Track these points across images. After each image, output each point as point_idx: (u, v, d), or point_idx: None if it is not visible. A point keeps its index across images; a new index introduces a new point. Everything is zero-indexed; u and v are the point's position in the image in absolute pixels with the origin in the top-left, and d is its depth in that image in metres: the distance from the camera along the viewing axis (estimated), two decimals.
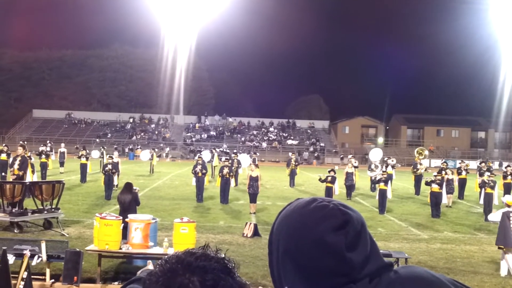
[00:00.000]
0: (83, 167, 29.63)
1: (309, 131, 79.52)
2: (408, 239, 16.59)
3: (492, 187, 21.43)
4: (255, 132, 77.21)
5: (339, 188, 25.39)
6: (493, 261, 13.74)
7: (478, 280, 11.92)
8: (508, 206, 12.59)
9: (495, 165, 52.72)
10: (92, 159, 34.35)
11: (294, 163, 33.01)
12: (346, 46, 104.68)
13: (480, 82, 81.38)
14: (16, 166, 17.85)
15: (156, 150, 47.85)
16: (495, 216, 13.12)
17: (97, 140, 67.98)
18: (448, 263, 13.52)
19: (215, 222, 18.22)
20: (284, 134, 77.40)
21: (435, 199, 21.44)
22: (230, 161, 26.40)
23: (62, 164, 35.47)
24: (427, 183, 22.44)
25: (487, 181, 21.79)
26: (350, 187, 26.98)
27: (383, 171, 24.03)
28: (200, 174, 23.52)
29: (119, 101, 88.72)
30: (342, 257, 1.25)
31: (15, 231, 14.69)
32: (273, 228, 1.40)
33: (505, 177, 26.56)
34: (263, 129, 78.77)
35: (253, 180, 20.48)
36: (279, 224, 1.37)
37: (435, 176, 22.07)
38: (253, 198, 20.61)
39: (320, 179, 23.73)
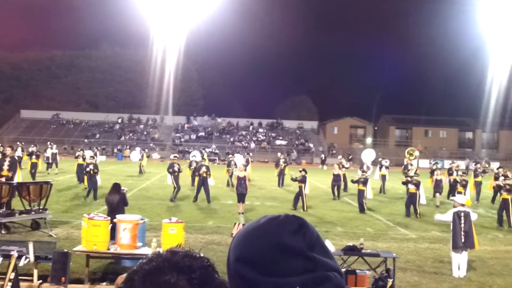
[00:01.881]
0: (80, 168, 29.46)
1: (298, 131, 79.62)
2: (396, 239, 16.66)
3: (510, 191, 20.66)
4: (244, 133, 77.20)
5: (327, 188, 25.43)
6: (480, 260, 13.83)
7: (466, 279, 11.99)
8: (462, 205, 12.61)
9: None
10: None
11: (282, 164, 33.07)
12: (335, 47, 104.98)
13: (468, 83, 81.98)
14: (5, 167, 17.74)
15: (146, 150, 47.61)
16: (445, 216, 13.13)
17: (86, 140, 67.71)
18: (436, 262, 13.59)
19: (203, 222, 18.21)
20: (273, 134, 77.47)
21: (410, 199, 21.62)
22: (226, 162, 26.82)
23: (56, 165, 35.68)
24: (404, 183, 22.61)
25: (503, 185, 21.06)
26: (338, 188, 27.08)
27: (363, 171, 24.01)
28: (204, 175, 23.56)
29: (107, 102, 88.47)
30: (305, 256, 1.27)
31: (2, 231, 14.62)
32: (229, 249, 1.38)
33: (496, 179, 26.59)
34: (251, 129, 78.78)
35: (241, 180, 20.53)
36: (233, 242, 1.36)
37: (412, 177, 22.22)
38: (241, 198, 20.64)
39: (291, 178, 23.78)
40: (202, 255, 1.22)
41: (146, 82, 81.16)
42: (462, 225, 12.22)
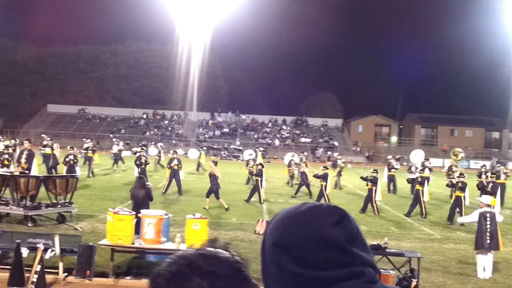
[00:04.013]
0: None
1: (322, 129, 79.35)
2: (420, 239, 16.52)
3: (462, 189, 20.44)
4: (268, 130, 77.15)
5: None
6: (506, 262, 13.66)
7: (491, 281, 11.85)
8: (488, 206, 12.42)
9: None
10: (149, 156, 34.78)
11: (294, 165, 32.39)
12: (360, 44, 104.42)
13: (494, 81, 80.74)
14: (23, 160, 17.98)
15: (161, 145, 47.48)
16: (470, 217, 12.96)
17: (111, 135, 68.24)
18: (460, 263, 13.45)
19: (227, 218, 18.26)
20: (297, 131, 77.29)
21: (456, 203, 21.01)
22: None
23: (122, 161, 36.84)
24: (448, 186, 22.07)
25: (455, 182, 20.81)
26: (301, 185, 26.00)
27: (411, 172, 23.41)
28: (176, 167, 24.03)
29: (133, 97, 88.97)
30: (343, 249, 1.26)
31: (29, 224, 14.80)
32: (265, 234, 1.37)
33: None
34: (276, 126, 78.68)
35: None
36: (269, 227, 1.36)
37: (454, 179, 21.65)
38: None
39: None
40: (235, 255, 1.18)
41: (171, 78, 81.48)
42: (488, 226, 12.06)
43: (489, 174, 25.65)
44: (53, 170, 27.58)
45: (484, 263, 12.15)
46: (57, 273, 10.35)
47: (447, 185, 22.31)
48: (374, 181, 21.59)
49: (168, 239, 11.37)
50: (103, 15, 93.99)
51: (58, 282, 10.14)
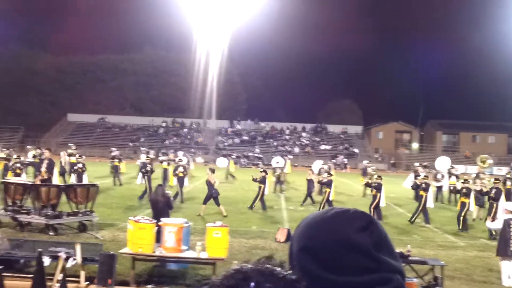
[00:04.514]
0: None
1: (342, 136, 79.04)
2: (444, 246, 16.32)
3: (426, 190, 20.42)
4: (287, 137, 77.03)
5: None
6: None
7: None
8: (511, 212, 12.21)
9: None
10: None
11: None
12: (380, 50, 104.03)
13: None
14: (43, 169, 18.10)
15: (193, 154, 47.60)
16: (495, 224, 12.77)
17: (131, 144, 68.59)
18: (485, 270, 13.24)
19: (247, 226, 18.19)
20: (316, 139, 77.06)
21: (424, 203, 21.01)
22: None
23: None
24: (414, 187, 22.03)
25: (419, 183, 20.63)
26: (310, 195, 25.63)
27: (437, 180, 23.05)
28: (181, 174, 24.34)
29: (152, 106, 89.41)
30: (370, 255, 1.26)
31: (51, 233, 14.86)
32: (291, 238, 1.39)
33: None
34: (295, 134, 78.53)
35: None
36: (296, 232, 1.37)
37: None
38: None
39: (253, 179, 23.56)
40: (290, 276, 1.13)
41: (189, 86, 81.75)
42: None
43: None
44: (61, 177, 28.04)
45: (509, 271, 11.94)
46: (78, 282, 10.36)
47: (480, 191, 21.83)
48: (378, 187, 21.45)
49: (188, 247, 11.35)
50: (121, 24, 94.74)
51: None
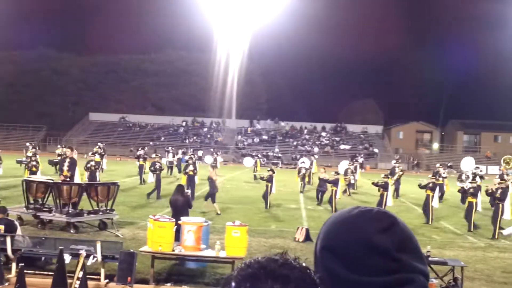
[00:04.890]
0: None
1: (362, 136, 78.66)
2: (464, 247, 16.19)
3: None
4: (307, 137, 76.84)
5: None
6: None
7: None
8: None
9: None
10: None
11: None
12: (401, 50, 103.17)
13: None
14: (65, 168, 18.26)
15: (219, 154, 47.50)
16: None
17: (151, 143, 68.95)
18: (505, 272, 13.11)
19: (266, 226, 18.20)
20: (336, 138, 76.77)
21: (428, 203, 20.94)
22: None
23: (179, 169, 37.14)
24: (422, 187, 21.92)
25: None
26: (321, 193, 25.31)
27: (461, 180, 22.81)
28: (191, 173, 24.52)
29: (173, 105, 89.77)
30: (391, 256, 1.26)
31: (71, 231, 15.01)
32: (318, 237, 1.39)
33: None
34: (315, 133, 78.31)
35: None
36: (321, 231, 1.38)
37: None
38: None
39: (260, 177, 23.68)
40: (303, 264, 1.18)
41: (210, 86, 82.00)
42: None
43: None
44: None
45: None
46: (99, 279, 10.46)
47: (486, 191, 21.54)
48: (385, 186, 21.38)
49: (207, 246, 11.40)
50: (143, 25, 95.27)
51: None
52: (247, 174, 40.86)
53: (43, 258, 11.52)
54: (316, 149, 71.58)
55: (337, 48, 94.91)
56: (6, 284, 10.12)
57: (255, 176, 36.84)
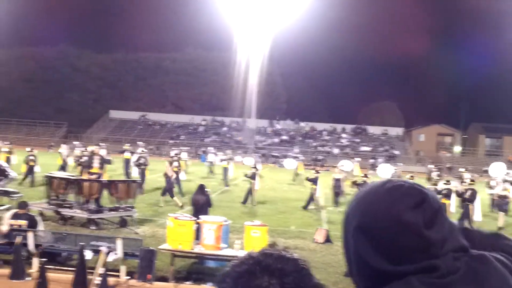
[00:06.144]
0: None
1: (382, 137, 78.19)
2: None
3: None
4: (327, 138, 76.56)
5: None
6: None
7: None
8: None
9: None
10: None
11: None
12: (422, 51, 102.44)
13: None
14: (97, 165, 18.42)
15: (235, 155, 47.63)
16: None
17: (171, 141, 69.17)
18: None
19: (286, 226, 18.15)
20: (356, 140, 76.36)
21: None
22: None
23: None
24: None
25: None
26: (337, 194, 25.10)
27: (490, 187, 22.16)
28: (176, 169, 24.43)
29: (192, 104, 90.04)
30: (420, 234, 1.24)
31: (92, 227, 15.09)
32: (347, 209, 1.37)
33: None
34: (335, 134, 77.99)
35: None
36: (352, 204, 1.36)
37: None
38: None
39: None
40: (296, 256, 1.17)
41: (230, 85, 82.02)
42: None
43: None
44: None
45: None
46: (119, 276, 10.49)
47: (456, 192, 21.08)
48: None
49: (227, 245, 11.38)
50: (163, 23, 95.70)
51: (120, 285, 10.28)
52: (288, 175, 40.39)
53: (64, 253, 11.59)
54: (336, 151, 71.26)
55: (358, 49, 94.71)
56: (28, 279, 10.20)
57: (299, 176, 35.19)
